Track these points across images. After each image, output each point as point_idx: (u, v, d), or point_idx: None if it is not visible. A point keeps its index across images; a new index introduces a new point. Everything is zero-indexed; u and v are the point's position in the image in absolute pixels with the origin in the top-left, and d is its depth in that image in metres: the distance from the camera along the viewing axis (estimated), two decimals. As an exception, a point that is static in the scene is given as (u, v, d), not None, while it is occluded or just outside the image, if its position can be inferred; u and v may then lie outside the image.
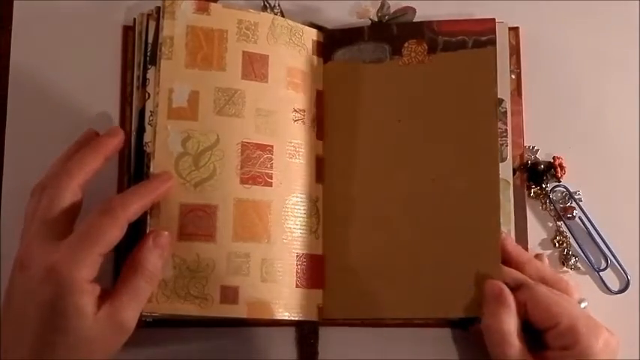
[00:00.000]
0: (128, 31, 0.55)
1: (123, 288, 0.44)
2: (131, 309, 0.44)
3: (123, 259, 0.46)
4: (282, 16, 0.54)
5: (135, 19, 0.50)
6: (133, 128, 0.50)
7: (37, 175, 0.55)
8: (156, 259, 0.45)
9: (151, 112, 0.46)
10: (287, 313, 0.49)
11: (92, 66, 0.56)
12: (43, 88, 0.56)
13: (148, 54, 0.47)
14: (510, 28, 0.54)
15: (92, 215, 0.44)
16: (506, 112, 0.51)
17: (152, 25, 0.47)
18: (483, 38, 0.52)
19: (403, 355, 0.53)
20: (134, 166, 0.49)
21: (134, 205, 0.44)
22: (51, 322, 0.42)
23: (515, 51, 0.55)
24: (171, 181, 0.47)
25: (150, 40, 0.47)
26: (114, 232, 0.43)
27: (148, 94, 0.47)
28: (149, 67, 0.47)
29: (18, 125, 0.56)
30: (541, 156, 0.56)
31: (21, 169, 0.56)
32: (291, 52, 0.52)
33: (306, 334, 0.53)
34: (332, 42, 0.54)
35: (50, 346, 0.42)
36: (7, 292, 0.44)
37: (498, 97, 0.51)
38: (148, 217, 0.47)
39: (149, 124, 0.48)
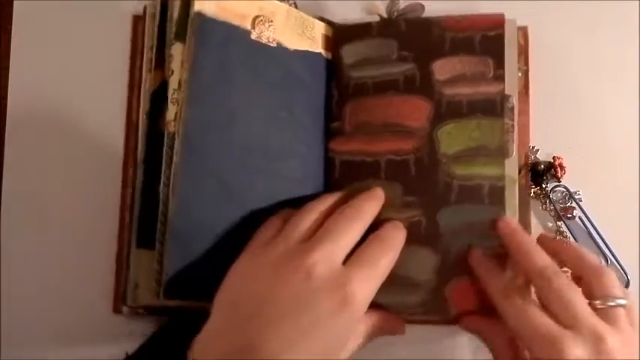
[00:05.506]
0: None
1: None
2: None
3: None
4: (296, 8, 0.54)
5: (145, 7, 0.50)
6: (143, 112, 0.48)
7: (37, 175, 0.55)
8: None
9: (174, 89, 0.45)
10: None
11: (94, 63, 0.56)
12: (44, 87, 0.56)
13: (174, 30, 0.46)
14: (518, 28, 0.54)
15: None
16: (513, 107, 0.51)
17: (176, 4, 0.46)
18: (491, 34, 0.52)
19: (402, 354, 0.53)
20: (144, 152, 0.47)
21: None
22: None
23: (523, 50, 0.55)
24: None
25: (175, 16, 0.46)
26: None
27: (172, 70, 0.45)
28: (174, 42, 0.46)
29: (18, 125, 0.55)
30: (541, 156, 0.56)
31: (21, 169, 0.55)
32: (303, 44, 0.52)
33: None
34: (340, 37, 0.54)
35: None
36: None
37: (506, 93, 0.51)
38: None
39: (172, 103, 0.46)
